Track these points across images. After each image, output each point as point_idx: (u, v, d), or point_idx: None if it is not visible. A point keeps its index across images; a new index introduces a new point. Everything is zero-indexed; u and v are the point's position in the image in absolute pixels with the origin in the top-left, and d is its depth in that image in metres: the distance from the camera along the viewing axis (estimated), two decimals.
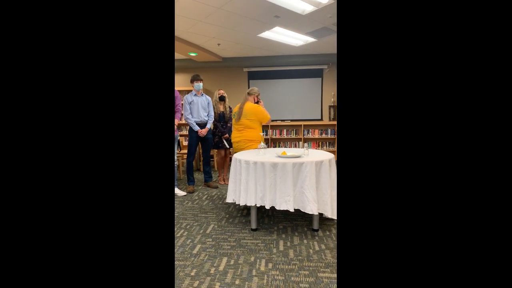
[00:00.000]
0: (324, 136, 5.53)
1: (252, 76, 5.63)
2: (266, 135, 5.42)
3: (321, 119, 5.56)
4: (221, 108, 3.48)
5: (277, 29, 3.66)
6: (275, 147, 5.61)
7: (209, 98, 3.35)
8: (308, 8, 3.10)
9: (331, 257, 1.70)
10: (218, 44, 4.37)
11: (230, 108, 3.59)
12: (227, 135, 3.47)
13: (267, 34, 3.88)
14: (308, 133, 5.59)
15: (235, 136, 2.79)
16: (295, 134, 5.52)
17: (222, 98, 3.48)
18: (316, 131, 5.56)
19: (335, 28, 3.68)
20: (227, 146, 3.46)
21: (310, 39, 4.14)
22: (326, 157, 2.06)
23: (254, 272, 1.54)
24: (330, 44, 4.40)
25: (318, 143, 5.60)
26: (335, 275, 1.50)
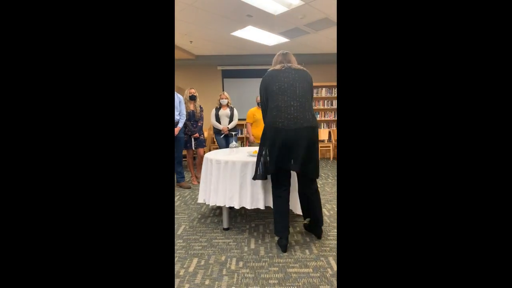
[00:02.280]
0: None
1: (226, 74, 5.60)
2: (241, 134, 5.42)
3: None
4: (191, 107, 3.42)
5: (250, 28, 3.67)
6: (250, 146, 5.65)
7: (181, 97, 3.27)
8: (279, 9, 3.14)
9: (300, 252, 1.74)
10: (191, 41, 4.29)
11: (201, 107, 3.53)
12: (197, 134, 3.42)
13: (240, 33, 3.88)
14: None
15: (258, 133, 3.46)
16: None
17: (192, 98, 3.42)
18: None
19: (307, 29, 3.76)
20: (193, 147, 3.41)
21: (283, 39, 4.20)
22: None
23: (224, 272, 1.54)
24: (303, 45, 4.49)
25: None
26: (303, 270, 1.54)
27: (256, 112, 3.55)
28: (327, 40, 4.28)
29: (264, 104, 1.81)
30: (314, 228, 1.94)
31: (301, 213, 2.05)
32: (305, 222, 2.06)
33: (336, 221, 2.24)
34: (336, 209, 2.54)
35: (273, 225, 1.83)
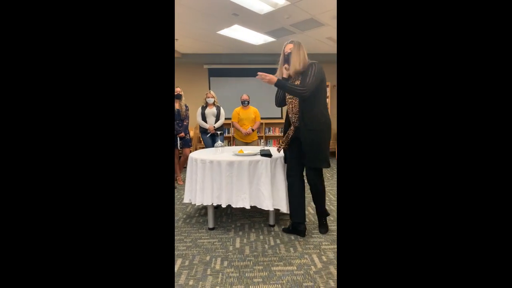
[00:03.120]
0: None
1: (213, 73, 5.55)
2: (228, 133, 5.41)
3: (281, 118, 5.70)
4: (177, 106, 3.37)
5: (236, 27, 3.66)
6: (237, 145, 5.65)
7: None
8: (265, 8, 3.15)
9: (284, 250, 1.76)
10: (176, 39, 4.23)
11: (186, 106, 3.49)
12: (183, 133, 3.37)
13: (226, 32, 3.86)
14: (269, 131, 5.70)
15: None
16: (257, 132, 5.59)
17: (178, 96, 3.37)
18: (277, 129, 5.69)
19: (293, 29, 3.79)
20: (178, 147, 3.37)
21: (270, 39, 4.22)
22: (280, 154, 2.13)
23: (209, 271, 1.53)
24: None
25: (279, 141, 5.75)
26: (287, 268, 1.56)
27: (240, 112, 3.55)
28: (313, 41, 4.32)
29: (313, 92, 1.79)
30: (296, 226, 1.97)
31: (287, 212, 2.06)
32: (285, 226, 2.07)
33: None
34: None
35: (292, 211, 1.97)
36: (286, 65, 1.85)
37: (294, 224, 1.97)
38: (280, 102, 2.01)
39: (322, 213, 2.02)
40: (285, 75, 1.87)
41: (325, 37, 4.21)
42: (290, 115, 1.95)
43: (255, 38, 4.18)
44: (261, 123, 5.48)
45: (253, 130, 3.53)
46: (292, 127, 1.94)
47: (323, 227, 2.01)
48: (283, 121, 5.59)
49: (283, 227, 2.08)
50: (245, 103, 3.54)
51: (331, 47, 4.74)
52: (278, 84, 1.78)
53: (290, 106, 1.92)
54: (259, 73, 1.77)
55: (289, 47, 1.85)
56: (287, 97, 1.94)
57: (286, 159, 2.05)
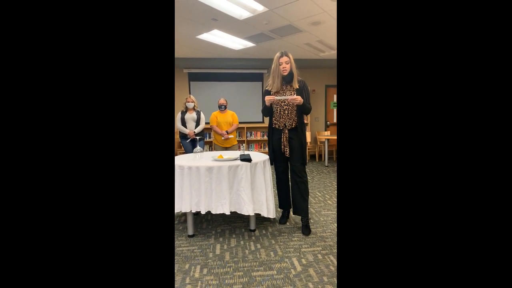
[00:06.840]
0: (266, 138, 5.72)
1: (193, 77, 5.50)
2: (208, 138, 5.36)
3: (262, 122, 5.74)
4: None
5: (216, 31, 3.66)
6: (215, 150, 5.60)
7: None
8: (244, 14, 3.17)
9: (265, 255, 1.76)
10: None
11: None
12: None
13: (206, 36, 3.85)
14: (251, 135, 5.72)
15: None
16: (239, 136, 5.59)
17: None
18: (259, 133, 5.72)
19: (272, 34, 3.84)
20: None
21: (249, 44, 4.25)
22: (260, 158, 2.14)
23: (187, 280, 1.50)
24: (268, 50, 4.58)
25: (261, 145, 5.77)
26: (267, 273, 1.56)
27: (218, 115, 3.51)
28: (291, 46, 4.41)
29: None
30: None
31: (268, 216, 2.07)
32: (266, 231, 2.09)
33: (300, 223, 2.30)
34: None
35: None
36: (294, 98, 1.96)
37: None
38: (268, 113, 2.16)
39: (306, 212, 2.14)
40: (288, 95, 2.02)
41: (303, 43, 4.30)
42: (282, 119, 2.09)
43: (234, 43, 4.19)
44: (243, 127, 5.49)
45: (227, 132, 3.49)
46: (286, 130, 2.10)
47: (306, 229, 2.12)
48: (264, 125, 5.67)
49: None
50: (222, 107, 3.52)
51: (310, 53, 4.85)
52: (304, 104, 2.02)
53: (286, 112, 2.09)
54: (291, 97, 1.95)
55: (284, 60, 2.01)
56: (282, 104, 2.09)
57: (284, 158, 2.18)
